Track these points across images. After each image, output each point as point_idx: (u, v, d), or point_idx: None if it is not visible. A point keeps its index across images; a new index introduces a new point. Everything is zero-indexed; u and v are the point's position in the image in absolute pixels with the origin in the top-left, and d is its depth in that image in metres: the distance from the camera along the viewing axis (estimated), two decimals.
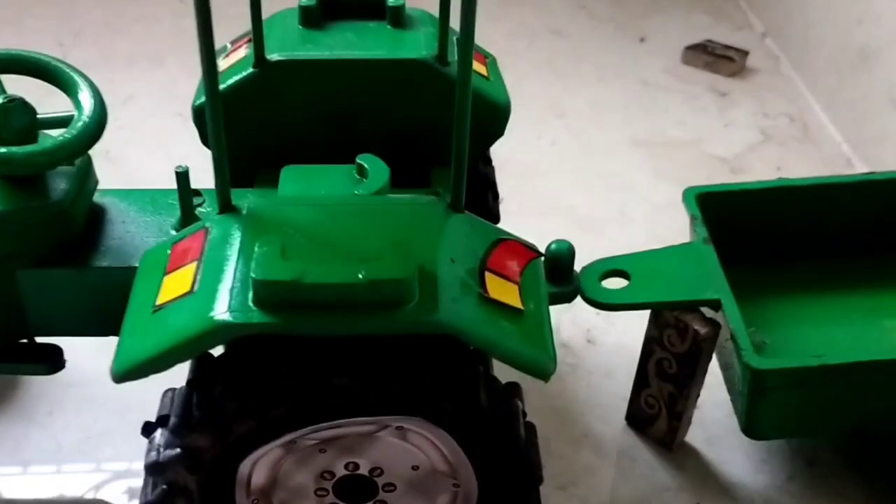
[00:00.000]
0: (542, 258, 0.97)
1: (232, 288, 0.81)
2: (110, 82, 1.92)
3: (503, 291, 0.87)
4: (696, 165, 1.79)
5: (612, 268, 1.15)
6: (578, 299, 1.15)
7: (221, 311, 0.80)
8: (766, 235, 1.31)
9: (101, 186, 1.11)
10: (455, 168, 0.88)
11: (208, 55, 0.82)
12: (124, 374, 0.84)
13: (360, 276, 0.79)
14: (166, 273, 0.88)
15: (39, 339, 1.09)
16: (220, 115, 0.85)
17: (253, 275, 0.79)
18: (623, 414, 1.28)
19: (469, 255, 0.88)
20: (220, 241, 0.87)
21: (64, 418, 1.26)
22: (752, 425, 1.11)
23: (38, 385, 1.29)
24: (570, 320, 1.43)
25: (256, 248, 0.81)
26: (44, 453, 1.22)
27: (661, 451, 1.24)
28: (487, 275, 0.88)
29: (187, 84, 1.94)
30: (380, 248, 0.82)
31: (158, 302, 0.85)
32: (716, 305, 1.11)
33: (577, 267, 1.15)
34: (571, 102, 1.99)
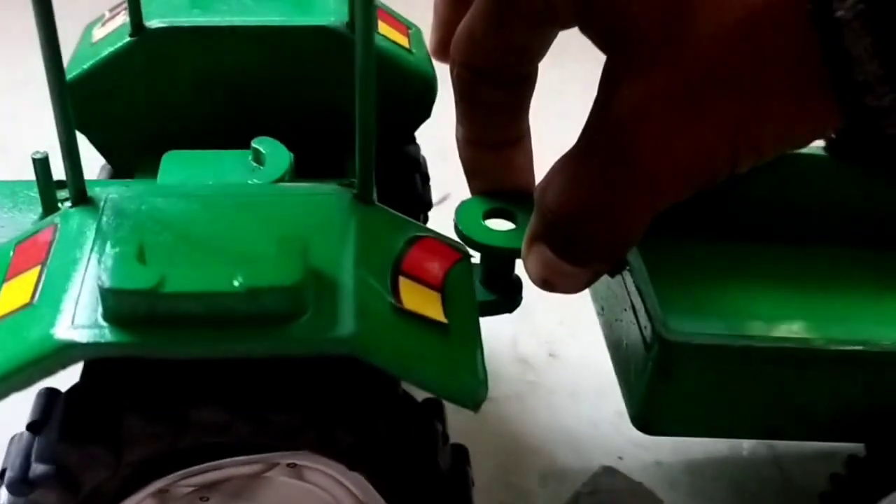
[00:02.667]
0: (471, 258, 0.83)
1: (78, 299, 0.67)
2: (6, 63, 1.80)
3: (421, 301, 0.74)
4: None
5: (497, 206, 0.96)
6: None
7: (64, 327, 0.65)
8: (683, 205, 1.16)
9: None
10: (360, 148, 0.74)
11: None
12: None
13: (236, 283, 0.64)
14: (6, 280, 0.74)
15: None
16: (62, 83, 0.72)
17: (100, 282, 0.64)
18: (591, 438, 1.16)
19: (379, 257, 0.75)
20: (69, 239, 0.73)
21: None
22: (647, 414, 0.94)
23: None
24: (529, 332, 1.30)
25: (108, 249, 0.67)
26: None
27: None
28: (402, 280, 0.74)
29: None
30: (264, 248, 0.68)
31: None
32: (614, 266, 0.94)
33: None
34: None
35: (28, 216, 0.92)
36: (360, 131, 0.73)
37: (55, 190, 0.87)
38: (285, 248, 0.68)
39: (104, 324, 0.65)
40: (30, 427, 0.76)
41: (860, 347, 0.94)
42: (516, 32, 0.77)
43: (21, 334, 0.68)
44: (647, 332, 0.90)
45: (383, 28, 1.05)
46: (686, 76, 0.63)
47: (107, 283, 0.64)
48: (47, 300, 0.68)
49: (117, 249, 0.67)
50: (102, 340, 0.65)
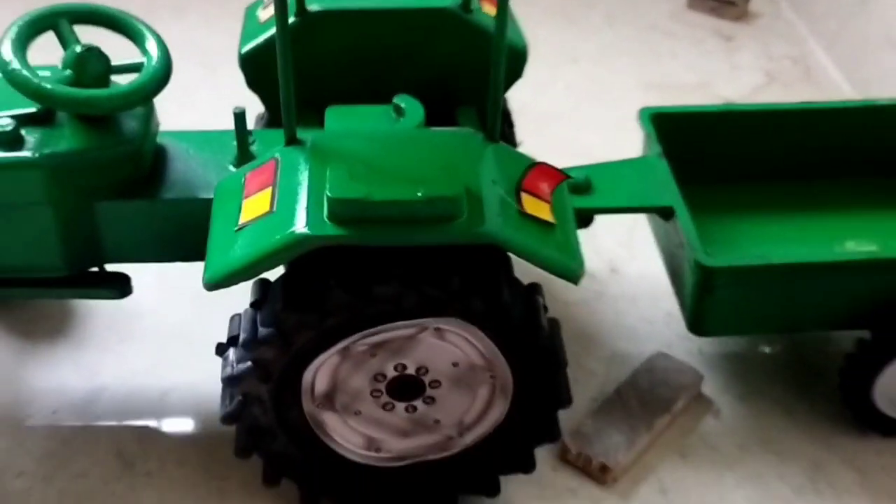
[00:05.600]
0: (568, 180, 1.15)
1: (308, 207, 1.00)
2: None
3: (537, 208, 1.07)
4: None
5: (573, 176, 1.25)
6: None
7: (301, 225, 0.99)
8: (716, 156, 1.48)
9: None
10: (490, 105, 1.08)
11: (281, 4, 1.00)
12: (216, 282, 1.03)
13: (419, 194, 0.98)
14: (245, 197, 1.07)
15: (109, 267, 1.26)
16: (289, 59, 1.03)
17: (328, 193, 0.98)
18: (650, 338, 1.46)
19: (506, 178, 1.07)
20: (291, 168, 1.06)
21: (134, 347, 1.44)
22: (697, 322, 1.28)
23: (108, 316, 1.47)
24: (593, 250, 1.58)
25: (328, 172, 1.01)
26: (119, 378, 1.40)
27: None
28: (523, 195, 1.07)
29: (209, 36, 2.11)
30: (431, 171, 1.02)
31: (241, 221, 1.04)
32: (668, 213, 1.28)
33: None
34: (584, 47, 2.18)
35: (223, 157, 1.23)
36: (492, 92, 1.06)
37: (248, 139, 1.20)
38: (447, 171, 1.01)
39: (328, 223, 0.99)
40: (253, 304, 1.09)
41: (864, 257, 1.26)
42: None
43: (268, 232, 1.01)
44: (692, 261, 1.22)
45: (484, 5, 1.37)
46: None
47: (332, 194, 0.98)
48: (284, 209, 1.02)
49: (334, 172, 1.00)
50: (329, 234, 0.98)
